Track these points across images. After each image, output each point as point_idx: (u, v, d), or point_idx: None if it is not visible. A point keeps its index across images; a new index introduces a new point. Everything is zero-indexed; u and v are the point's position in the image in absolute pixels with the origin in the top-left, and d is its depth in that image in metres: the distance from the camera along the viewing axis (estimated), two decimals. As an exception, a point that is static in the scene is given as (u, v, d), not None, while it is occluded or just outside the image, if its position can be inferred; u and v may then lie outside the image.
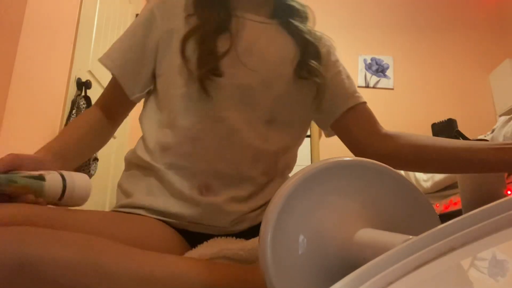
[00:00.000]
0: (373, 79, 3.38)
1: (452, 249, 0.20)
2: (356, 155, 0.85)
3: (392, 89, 3.37)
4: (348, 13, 3.53)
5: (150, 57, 0.81)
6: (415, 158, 0.79)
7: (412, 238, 0.21)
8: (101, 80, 2.15)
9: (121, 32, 0.85)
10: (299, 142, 0.87)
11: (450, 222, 0.21)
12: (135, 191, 0.76)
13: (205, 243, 0.69)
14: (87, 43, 2.05)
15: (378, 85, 3.37)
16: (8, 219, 0.54)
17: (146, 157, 0.77)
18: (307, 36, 0.84)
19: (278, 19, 0.85)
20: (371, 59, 3.41)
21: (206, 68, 0.73)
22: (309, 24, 0.89)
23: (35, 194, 0.61)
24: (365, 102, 0.88)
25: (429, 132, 3.03)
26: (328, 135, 0.92)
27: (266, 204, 0.80)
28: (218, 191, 0.74)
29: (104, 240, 0.54)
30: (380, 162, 0.36)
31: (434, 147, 0.77)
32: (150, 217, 0.72)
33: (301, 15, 0.88)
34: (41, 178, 0.62)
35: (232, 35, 0.76)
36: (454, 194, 2.12)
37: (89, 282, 0.48)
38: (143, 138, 0.81)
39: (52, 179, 0.63)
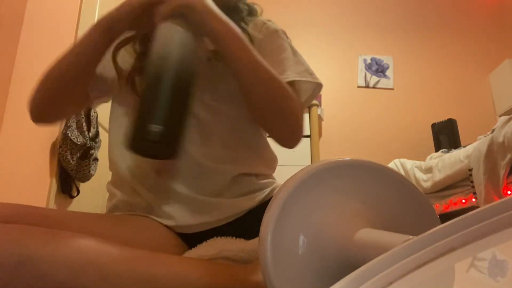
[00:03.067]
0: (373, 79, 3.38)
1: (452, 249, 0.20)
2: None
3: (392, 89, 3.37)
4: (348, 13, 3.53)
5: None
6: None
7: (412, 238, 0.21)
8: (101, 80, 2.14)
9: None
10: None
11: (450, 222, 0.21)
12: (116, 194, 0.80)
13: (204, 243, 0.69)
14: (87, 43, 2.05)
15: (378, 85, 3.37)
16: (5, 218, 0.54)
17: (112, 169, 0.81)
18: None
19: None
20: (371, 59, 3.41)
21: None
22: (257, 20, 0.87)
23: None
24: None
25: (429, 132, 3.03)
26: None
27: (247, 190, 0.79)
28: (172, 170, 0.74)
29: (103, 239, 0.54)
30: None
31: None
32: (147, 217, 0.72)
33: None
34: None
35: None
36: (454, 194, 2.13)
37: (87, 280, 0.48)
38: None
39: None
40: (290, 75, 0.78)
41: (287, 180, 0.36)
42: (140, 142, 0.60)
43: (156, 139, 0.58)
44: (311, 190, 0.35)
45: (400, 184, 0.37)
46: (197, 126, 0.76)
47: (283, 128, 0.76)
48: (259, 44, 0.81)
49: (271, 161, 0.87)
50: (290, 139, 0.78)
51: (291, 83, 0.78)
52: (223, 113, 0.79)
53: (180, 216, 0.73)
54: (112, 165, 0.81)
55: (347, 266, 0.28)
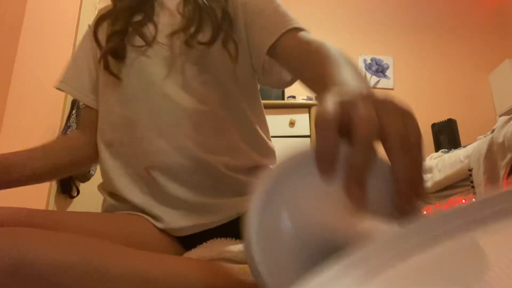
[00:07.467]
0: (373, 80, 3.39)
1: (450, 237, 0.20)
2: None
3: (392, 89, 3.37)
4: (348, 13, 3.54)
5: (92, 64, 0.88)
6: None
7: (406, 226, 0.21)
8: (101, 80, 2.14)
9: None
10: (245, 104, 0.81)
11: (447, 209, 0.21)
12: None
13: (204, 244, 0.69)
14: (87, 43, 2.05)
15: (378, 86, 3.37)
16: (3, 221, 0.54)
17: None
18: (217, 8, 0.78)
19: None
20: (371, 59, 3.42)
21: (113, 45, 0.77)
22: None
23: None
24: (293, 29, 0.76)
25: (429, 132, 3.03)
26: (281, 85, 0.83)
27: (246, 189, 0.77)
28: (162, 168, 0.72)
29: (102, 241, 0.53)
30: None
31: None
32: (145, 218, 0.72)
33: None
34: None
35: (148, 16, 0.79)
36: (454, 194, 2.13)
37: (87, 283, 0.47)
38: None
39: None
40: (294, 22, 0.78)
41: (267, 171, 0.35)
42: None
43: None
44: (294, 175, 0.35)
45: (390, 172, 0.36)
46: (187, 117, 0.74)
47: None
48: (244, 6, 0.79)
49: (269, 152, 0.84)
50: None
51: (296, 29, 0.77)
52: (210, 99, 0.76)
53: (170, 218, 0.71)
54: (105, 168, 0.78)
55: (334, 251, 0.28)
